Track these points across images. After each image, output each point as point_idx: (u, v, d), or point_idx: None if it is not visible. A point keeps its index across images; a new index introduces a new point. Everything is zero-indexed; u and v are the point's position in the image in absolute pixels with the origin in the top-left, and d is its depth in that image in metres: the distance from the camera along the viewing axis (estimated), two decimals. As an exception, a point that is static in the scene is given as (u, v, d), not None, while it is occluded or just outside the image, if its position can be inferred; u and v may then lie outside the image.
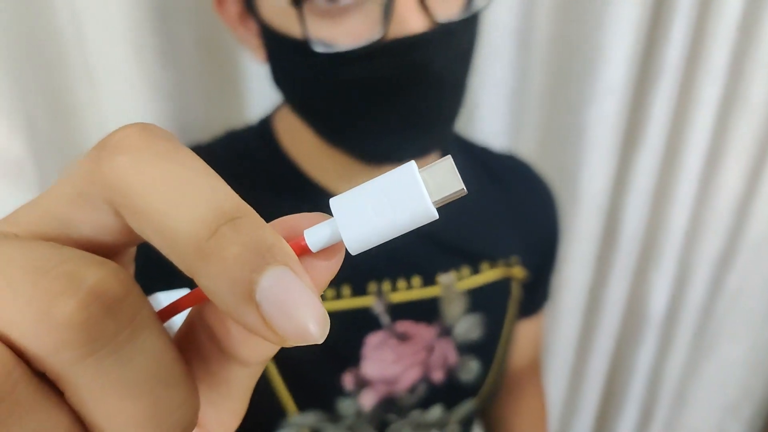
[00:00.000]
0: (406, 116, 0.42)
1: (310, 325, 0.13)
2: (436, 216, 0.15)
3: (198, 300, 0.15)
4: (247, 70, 0.67)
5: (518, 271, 0.56)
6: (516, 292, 0.57)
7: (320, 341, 0.13)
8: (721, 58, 0.77)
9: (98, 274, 0.12)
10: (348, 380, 0.49)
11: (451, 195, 0.15)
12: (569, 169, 0.82)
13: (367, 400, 0.49)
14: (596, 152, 0.80)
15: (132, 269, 0.18)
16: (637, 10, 0.73)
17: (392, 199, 0.15)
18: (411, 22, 0.38)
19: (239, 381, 0.16)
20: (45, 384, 0.13)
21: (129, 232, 0.14)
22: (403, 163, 0.15)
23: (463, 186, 0.15)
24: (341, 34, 0.39)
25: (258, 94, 0.68)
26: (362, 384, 0.49)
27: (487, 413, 0.67)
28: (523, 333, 0.65)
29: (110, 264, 0.13)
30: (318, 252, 0.15)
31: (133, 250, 0.17)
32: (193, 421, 0.14)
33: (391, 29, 0.38)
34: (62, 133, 0.63)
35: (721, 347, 1.03)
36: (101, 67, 0.61)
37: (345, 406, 0.49)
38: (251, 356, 0.15)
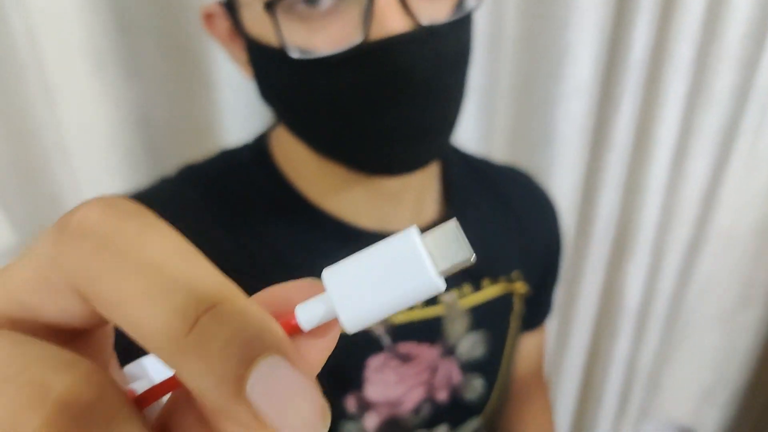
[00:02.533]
0: (396, 125, 0.40)
1: (310, 418, 0.12)
2: (443, 288, 0.13)
3: (180, 384, 0.14)
4: (216, 79, 0.64)
5: (520, 286, 0.55)
6: (518, 307, 0.55)
7: None
8: (686, 54, 0.78)
9: (66, 380, 0.11)
10: (351, 403, 0.47)
11: (458, 264, 0.13)
12: (540, 168, 0.83)
13: (371, 422, 0.47)
14: (566, 150, 0.81)
15: (111, 340, 0.16)
16: (602, 9, 0.74)
17: (392, 271, 0.13)
18: (392, 23, 0.36)
19: None
20: None
21: (99, 316, 0.13)
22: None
23: (472, 253, 0.13)
24: (320, 40, 0.37)
25: (228, 103, 0.66)
26: (365, 407, 0.47)
27: (492, 425, 0.66)
28: (527, 346, 0.63)
29: (81, 364, 0.12)
30: (310, 330, 0.14)
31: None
32: None
33: (371, 33, 0.36)
34: (19, 154, 0.59)
35: (694, 334, 1.05)
36: (60, 84, 0.57)
37: (348, 429, 0.47)
38: None
